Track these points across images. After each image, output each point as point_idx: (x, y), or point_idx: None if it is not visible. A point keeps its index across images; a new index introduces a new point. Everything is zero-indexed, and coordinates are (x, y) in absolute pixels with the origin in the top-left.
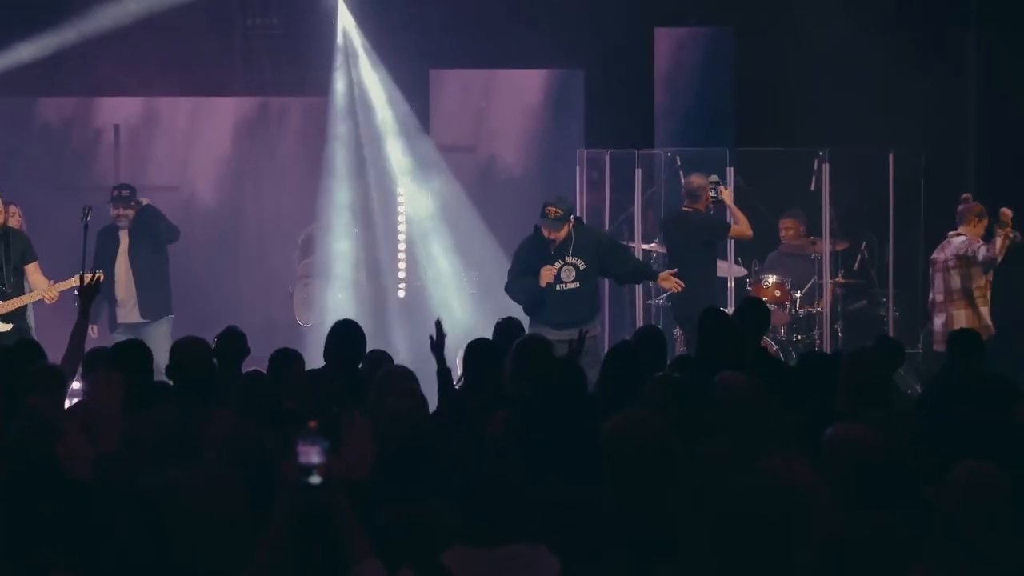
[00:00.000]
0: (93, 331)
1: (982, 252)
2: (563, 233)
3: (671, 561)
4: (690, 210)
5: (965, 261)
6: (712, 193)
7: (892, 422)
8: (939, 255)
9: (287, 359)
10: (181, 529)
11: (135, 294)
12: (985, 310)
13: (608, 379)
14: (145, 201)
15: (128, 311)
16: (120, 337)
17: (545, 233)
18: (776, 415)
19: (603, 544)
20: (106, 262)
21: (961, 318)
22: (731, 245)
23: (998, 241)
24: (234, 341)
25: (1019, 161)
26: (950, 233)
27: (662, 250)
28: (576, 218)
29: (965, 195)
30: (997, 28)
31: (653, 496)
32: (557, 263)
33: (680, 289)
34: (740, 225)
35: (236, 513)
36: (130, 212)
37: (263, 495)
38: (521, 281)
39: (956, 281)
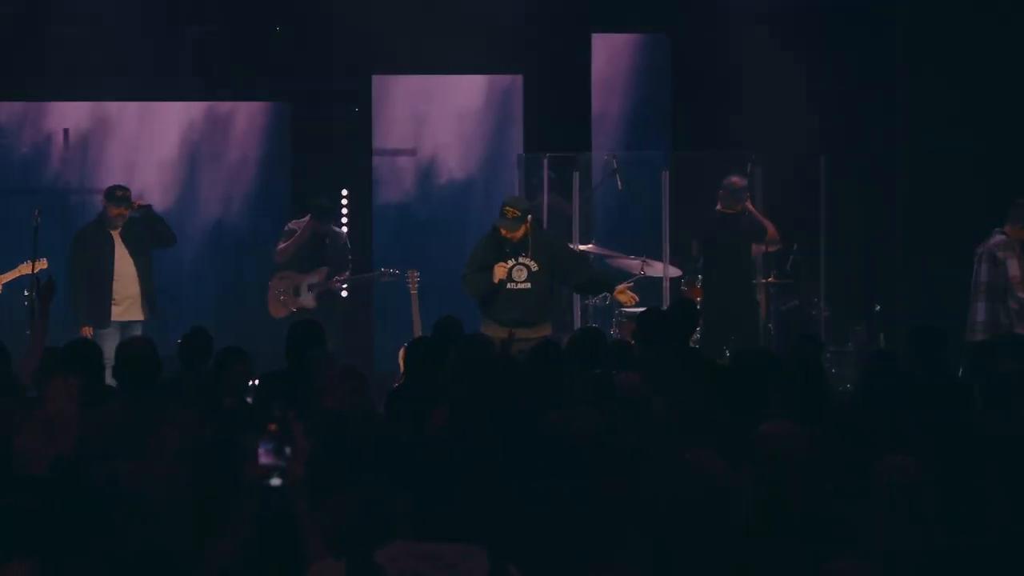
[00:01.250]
0: (89, 332)
1: (1013, 280)
2: (520, 233)
3: (609, 556)
4: (731, 212)
5: (994, 259)
6: None
7: (824, 418)
8: (980, 248)
9: (229, 358)
10: (129, 523)
11: (139, 292)
12: (1005, 307)
13: (530, 376)
14: (143, 202)
15: (127, 309)
16: (114, 334)
17: (503, 232)
18: (671, 412)
19: (541, 541)
20: (99, 260)
21: (979, 311)
22: (666, 246)
23: None
24: (197, 341)
25: (947, 166)
26: (995, 229)
27: (600, 251)
28: (535, 221)
29: (1021, 200)
30: (926, 34)
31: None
32: (510, 261)
33: (634, 303)
34: (771, 228)
35: (185, 508)
36: (126, 213)
37: (216, 493)
38: (476, 276)
39: (983, 274)
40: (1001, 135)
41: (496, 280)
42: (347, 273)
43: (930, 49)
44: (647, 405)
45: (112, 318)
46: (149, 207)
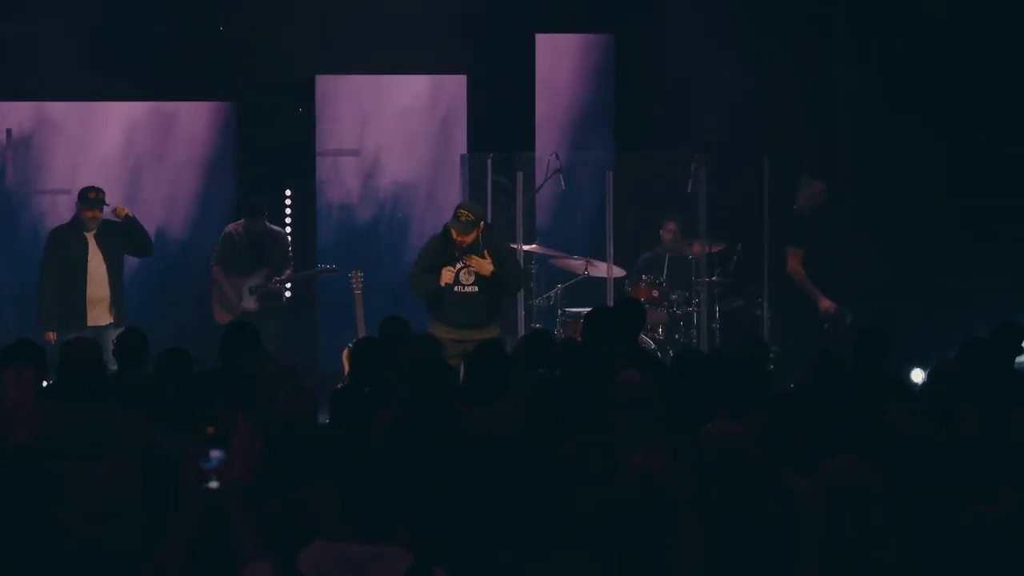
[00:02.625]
0: (52, 338)
1: None
2: (471, 238)
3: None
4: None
5: None
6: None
7: (768, 417)
8: None
9: (172, 360)
10: (72, 522)
11: (109, 296)
12: None
13: (473, 375)
14: (127, 212)
15: (100, 314)
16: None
17: (454, 235)
18: (662, 413)
19: (486, 543)
20: (71, 262)
21: None
22: (610, 246)
23: None
24: (132, 341)
25: (890, 166)
26: None
27: (543, 251)
28: (487, 225)
29: None
30: (868, 34)
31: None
32: (458, 264)
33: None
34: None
35: (128, 507)
36: (99, 215)
37: (157, 491)
38: (423, 278)
39: None
40: (945, 135)
41: (443, 283)
42: (288, 272)
43: (873, 48)
44: (647, 404)
45: (88, 323)
46: (133, 218)
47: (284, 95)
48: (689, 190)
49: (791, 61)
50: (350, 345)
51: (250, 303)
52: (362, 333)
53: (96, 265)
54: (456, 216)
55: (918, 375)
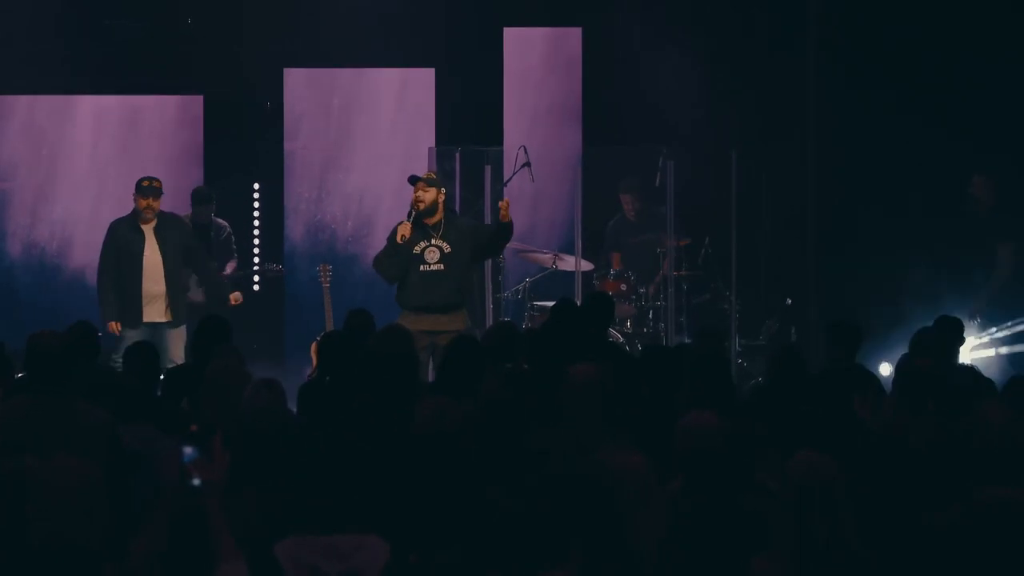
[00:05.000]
0: (116, 328)
1: None
2: (429, 198)
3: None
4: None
5: None
6: None
7: (734, 412)
8: None
9: (146, 355)
10: (37, 517)
11: (165, 292)
12: None
13: (446, 369)
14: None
15: (156, 310)
16: (136, 337)
17: (415, 193)
18: (622, 405)
19: (451, 538)
20: (128, 254)
21: None
22: (578, 241)
23: None
24: (85, 335)
25: (857, 160)
26: None
27: (511, 245)
28: (448, 208)
29: None
30: (836, 28)
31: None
32: (423, 241)
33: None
34: None
35: (93, 503)
36: (156, 204)
37: (122, 486)
38: (383, 252)
39: None
40: (911, 130)
41: (399, 238)
42: (233, 263)
43: (840, 43)
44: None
45: (144, 319)
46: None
47: (252, 89)
48: (657, 184)
49: (759, 55)
50: (318, 338)
51: (198, 295)
52: (330, 326)
53: (152, 259)
54: (420, 176)
55: (885, 369)
